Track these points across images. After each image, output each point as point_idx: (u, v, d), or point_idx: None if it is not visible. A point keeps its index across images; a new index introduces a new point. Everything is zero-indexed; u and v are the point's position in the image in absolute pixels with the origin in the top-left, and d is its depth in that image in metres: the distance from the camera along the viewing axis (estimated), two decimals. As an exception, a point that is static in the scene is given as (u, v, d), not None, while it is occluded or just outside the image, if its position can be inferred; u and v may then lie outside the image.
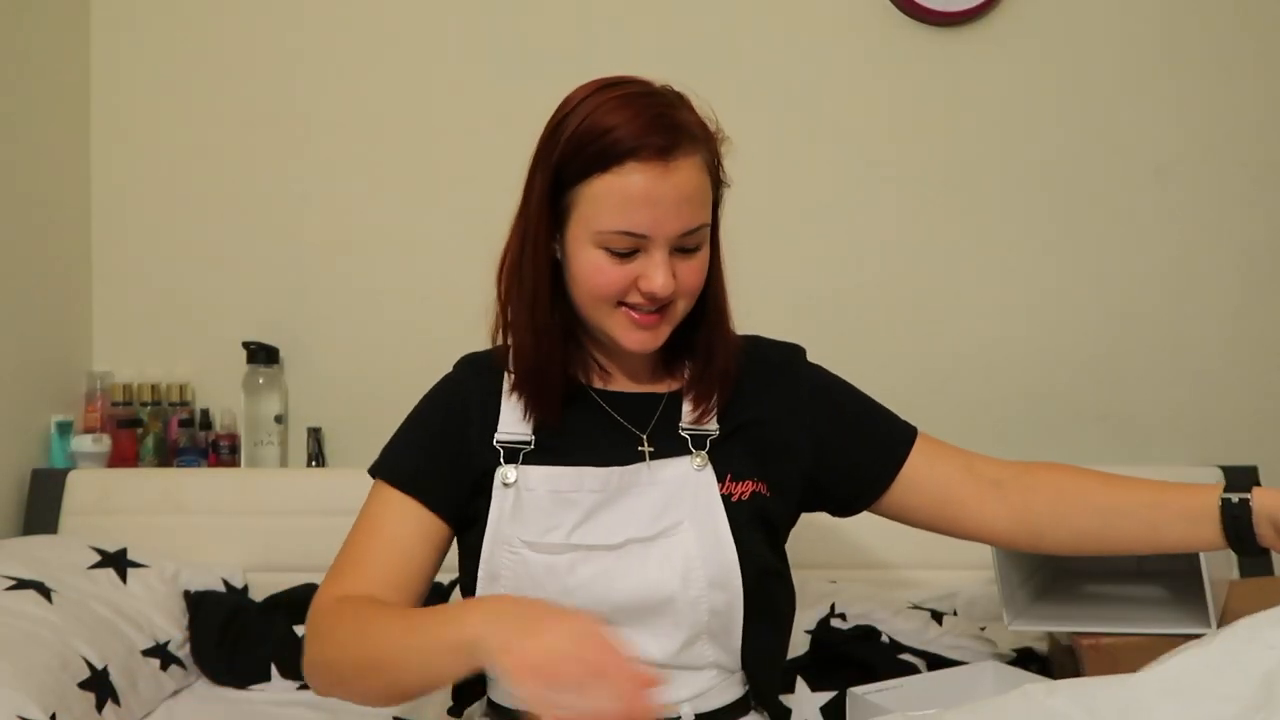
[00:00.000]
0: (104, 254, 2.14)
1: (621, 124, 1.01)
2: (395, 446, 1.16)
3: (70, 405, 2.05)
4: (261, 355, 2.07)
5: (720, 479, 1.12)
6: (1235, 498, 1.06)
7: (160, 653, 1.64)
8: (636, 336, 1.08)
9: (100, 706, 1.44)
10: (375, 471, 1.14)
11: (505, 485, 1.10)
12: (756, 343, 1.21)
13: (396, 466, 1.13)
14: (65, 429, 2.00)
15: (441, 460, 1.12)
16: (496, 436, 1.12)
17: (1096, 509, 1.13)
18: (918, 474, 1.17)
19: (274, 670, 1.69)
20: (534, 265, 1.08)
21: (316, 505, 1.90)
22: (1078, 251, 2.12)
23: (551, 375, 1.11)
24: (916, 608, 1.70)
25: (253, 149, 2.13)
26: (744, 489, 1.13)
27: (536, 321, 1.09)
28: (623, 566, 1.07)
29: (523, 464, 1.11)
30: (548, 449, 1.12)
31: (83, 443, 1.98)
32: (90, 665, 1.46)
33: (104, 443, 2.00)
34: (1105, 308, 2.13)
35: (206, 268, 2.14)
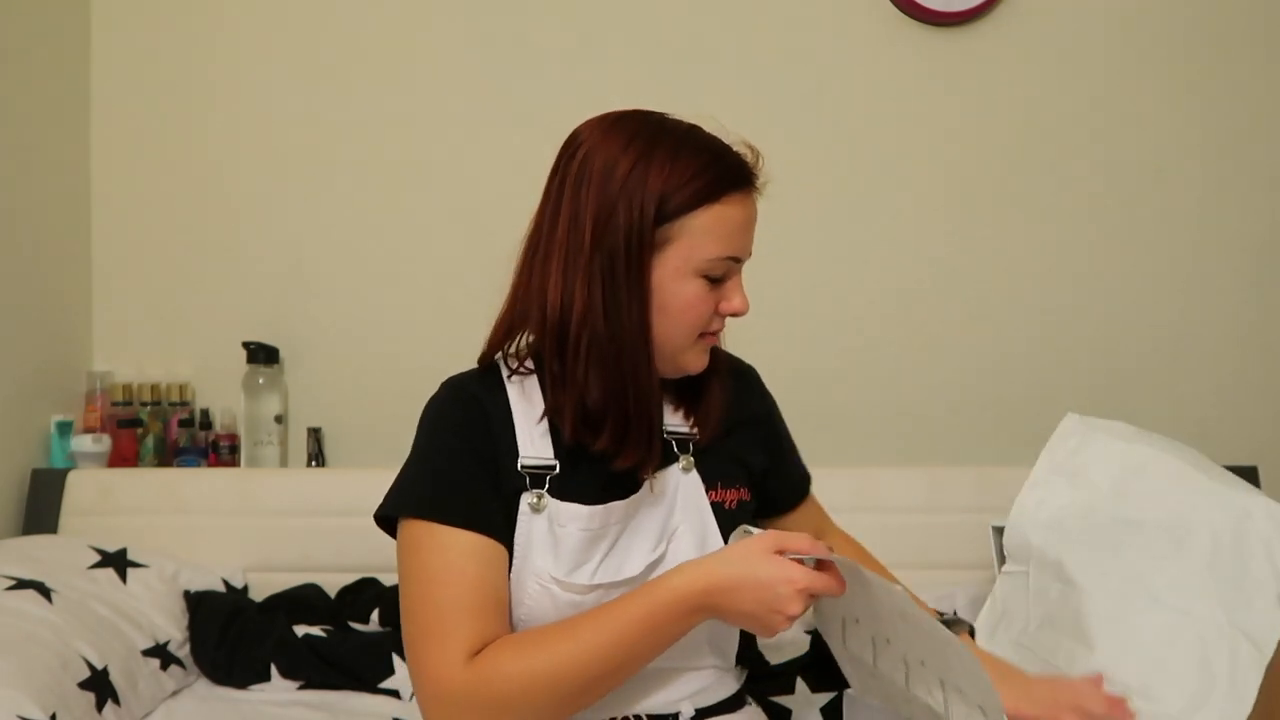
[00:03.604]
0: (104, 254, 2.14)
1: (722, 154, 1.04)
2: (428, 483, 1.04)
3: (70, 405, 2.05)
4: (261, 355, 2.07)
5: (710, 486, 1.13)
6: None
7: (160, 653, 1.64)
8: (704, 359, 1.10)
9: (100, 706, 1.44)
10: (419, 514, 1.02)
11: (533, 511, 1.05)
12: (714, 349, 1.20)
13: (445, 504, 1.02)
14: (65, 429, 2.00)
15: (487, 487, 1.04)
16: (521, 461, 1.06)
17: None
18: (791, 518, 1.26)
19: (274, 670, 1.68)
20: (631, 308, 1.02)
21: (316, 505, 1.91)
22: (1077, 251, 2.12)
23: (657, 422, 1.06)
24: (916, 608, 1.70)
25: (253, 149, 2.13)
26: (733, 497, 1.15)
27: (641, 367, 1.03)
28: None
29: (550, 493, 1.06)
30: (571, 477, 1.07)
31: (83, 443, 1.98)
32: (90, 665, 1.46)
33: (104, 443, 2.00)
34: (1105, 307, 2.13)
35: (206, 268, 2.14)
